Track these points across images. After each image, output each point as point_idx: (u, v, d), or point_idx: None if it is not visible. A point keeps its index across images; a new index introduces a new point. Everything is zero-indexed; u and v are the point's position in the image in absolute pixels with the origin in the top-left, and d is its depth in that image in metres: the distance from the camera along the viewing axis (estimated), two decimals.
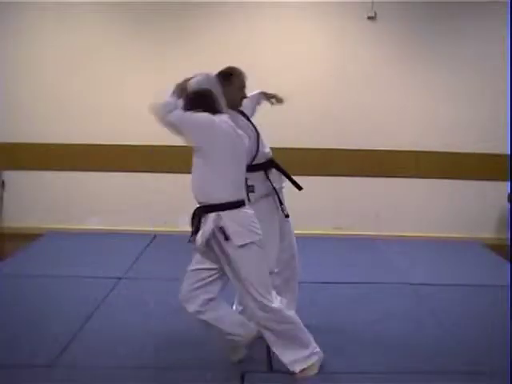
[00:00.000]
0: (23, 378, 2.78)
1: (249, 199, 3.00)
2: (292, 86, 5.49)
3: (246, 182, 2.97)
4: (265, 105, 3.54)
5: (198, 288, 2.76)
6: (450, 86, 5.71)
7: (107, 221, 5.75)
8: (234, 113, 3.04)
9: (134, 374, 2.85)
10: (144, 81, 5.64)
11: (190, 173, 2.79)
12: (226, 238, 2.66)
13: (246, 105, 3.22)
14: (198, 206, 2.78)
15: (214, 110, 2.75)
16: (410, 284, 4.31)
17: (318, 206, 5.66)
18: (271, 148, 3.30)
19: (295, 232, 3.35)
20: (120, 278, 4.23)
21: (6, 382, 2.74)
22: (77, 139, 5.69)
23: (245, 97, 3.16)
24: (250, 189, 3.07)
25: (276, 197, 3.18)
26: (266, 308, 2.73)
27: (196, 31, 5.57)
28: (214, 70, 3.06)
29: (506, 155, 5.61)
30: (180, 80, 2.85)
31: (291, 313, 2.88)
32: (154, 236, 5.48)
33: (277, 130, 5.43)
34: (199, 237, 2.72)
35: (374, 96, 5.69)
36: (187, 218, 2.82)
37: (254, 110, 3.39)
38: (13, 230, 5.69)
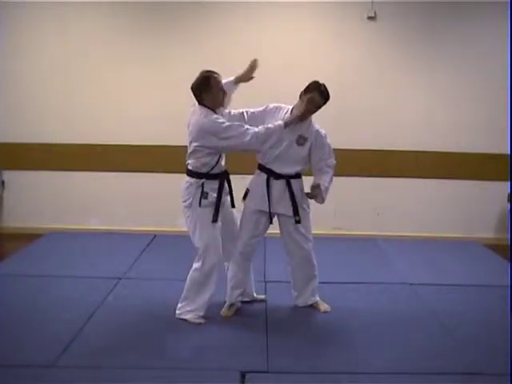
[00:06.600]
0: (24, 378, 2.78)
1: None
2: (292, 85, 5.49)
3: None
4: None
5: None
6: (450, 85, 5.71)
7: (107, 221, 5.75)
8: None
9: (134, 373, 2.85)
10: (144, 81, 5.64)
11: None
12: None
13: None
14: None
15: None
16: (410, 284, 4.31)
17: (317, 206, 5.63)
18: None
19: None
20: (120, 278, 4.23)
21: (6, 382, 2.74)
22: (77, 139, 5.70)
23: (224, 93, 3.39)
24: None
25: None
26: None
27: (195, 32, 5.57)
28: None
29: (506, 155, 5.62)
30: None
31: None
32: (154, 236, 5.48)
33: None
34: None
35: (374, 96, 5.69)
36: None
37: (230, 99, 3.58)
38: (13, 229, 5.70)
